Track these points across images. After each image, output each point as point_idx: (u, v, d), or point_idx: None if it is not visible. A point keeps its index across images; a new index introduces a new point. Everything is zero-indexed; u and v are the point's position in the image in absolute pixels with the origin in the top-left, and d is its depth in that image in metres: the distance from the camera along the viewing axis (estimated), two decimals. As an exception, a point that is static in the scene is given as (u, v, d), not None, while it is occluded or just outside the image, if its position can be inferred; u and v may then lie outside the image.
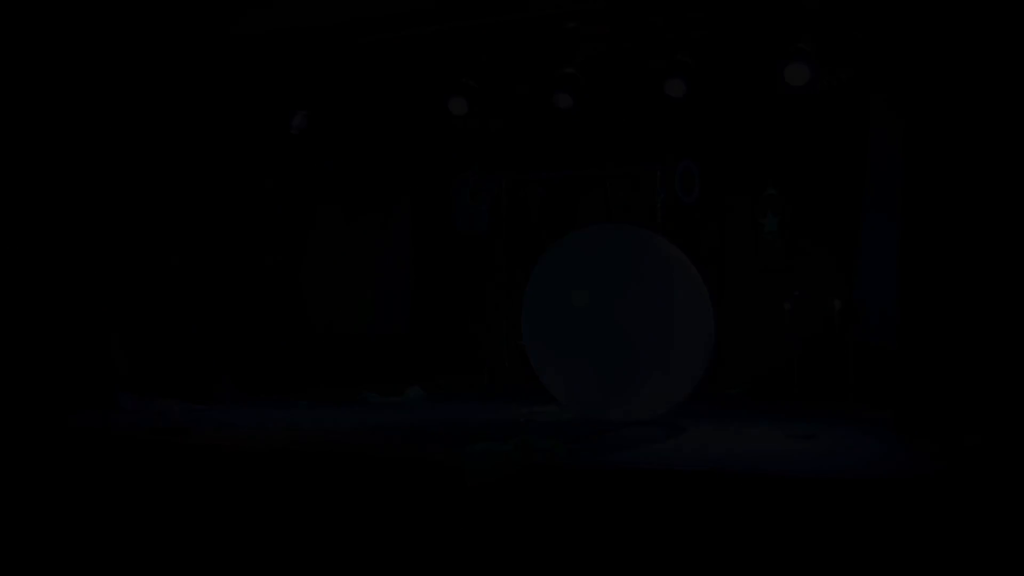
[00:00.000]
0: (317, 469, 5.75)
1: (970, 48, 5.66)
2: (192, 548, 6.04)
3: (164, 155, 8.52)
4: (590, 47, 9.10)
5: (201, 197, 9.33)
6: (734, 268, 9.09)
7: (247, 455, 5.92)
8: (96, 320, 8.20)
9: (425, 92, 10.15)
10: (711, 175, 8.81)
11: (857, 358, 8.18)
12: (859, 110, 8.46)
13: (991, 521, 4.32)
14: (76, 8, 7.75)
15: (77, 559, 6.41)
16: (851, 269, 8.47)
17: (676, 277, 6.65)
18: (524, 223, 9.45)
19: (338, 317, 10.25)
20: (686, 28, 8.59)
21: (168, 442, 6.25)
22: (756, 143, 8.97)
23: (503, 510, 5.16)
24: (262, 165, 9.67)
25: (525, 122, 10.08)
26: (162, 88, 8.22)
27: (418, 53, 9.35)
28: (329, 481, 5.68)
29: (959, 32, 5.71)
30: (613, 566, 4.92)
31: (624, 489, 4.97)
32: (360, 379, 9.36)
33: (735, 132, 9.09)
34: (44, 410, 7.50)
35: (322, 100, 10.07)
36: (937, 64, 5.79)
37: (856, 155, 8.52)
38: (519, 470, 5.12)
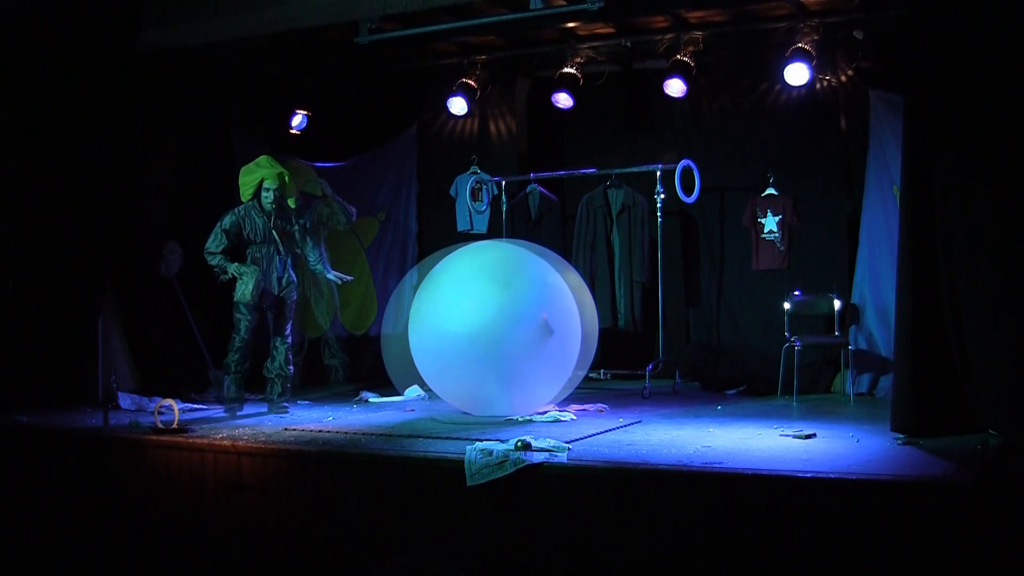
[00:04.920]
0: (317, 469, 5.76)
1: (971, 47, 5.66)
2: (192, 547, 6.05)
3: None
4: (590, 47, 9.13)
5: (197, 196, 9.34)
6: (733, 268, 9.10)
7: (248, 455, 5.92)
8: (95, 321, 8.20)
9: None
10: (711, 175, 8.82)
11: (856, 358, 8.20)
12: (859, 109, 8.46)
13: (991, 521, 4.33)
14: None
15: (77, 558, 6.42)
16: (851, 269, 8.48)
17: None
18: (524, 223, 9.45)
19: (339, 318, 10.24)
20: (686, 28, 8.61)
21: (168, 442, 6.26)
22: (756, 143, 8.98)
23: (503, 510, 5.17)
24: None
25: (525, 122, 10.09)
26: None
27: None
28: (329, 481, 5.69)
29: (959, 30, 5.71)
30: (613, 565, 4.93)
31: (624, 489, 4.97)
32: (360, 379, 9.35)
33: (735, 132, 9.09)
34: (45, 408, 7.53)
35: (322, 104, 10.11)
36: (938, 63, 5.79)
37: (856, 154, 8.54)
38: (519, 470, 5.12)
